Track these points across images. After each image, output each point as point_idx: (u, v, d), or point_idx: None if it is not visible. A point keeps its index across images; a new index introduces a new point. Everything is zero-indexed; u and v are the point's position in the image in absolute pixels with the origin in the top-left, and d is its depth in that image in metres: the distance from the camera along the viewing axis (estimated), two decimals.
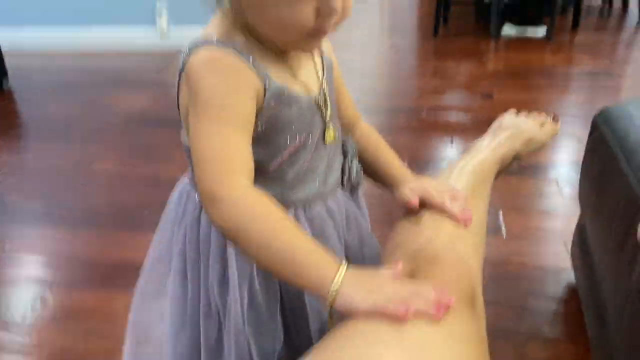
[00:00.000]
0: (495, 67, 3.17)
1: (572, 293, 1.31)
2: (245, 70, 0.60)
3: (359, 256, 0.77)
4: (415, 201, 0.76)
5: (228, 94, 0.59)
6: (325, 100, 0.69)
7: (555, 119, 1.06)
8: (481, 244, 0.76)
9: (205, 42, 0.61)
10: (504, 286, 1.34)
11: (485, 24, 3.80)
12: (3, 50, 2.88)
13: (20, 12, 3.55)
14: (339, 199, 0.75)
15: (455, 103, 2.60)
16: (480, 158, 0.92)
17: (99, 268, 1.50)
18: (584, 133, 1.18)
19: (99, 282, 1.45)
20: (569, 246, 1.41)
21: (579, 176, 1.19)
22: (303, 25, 0.56)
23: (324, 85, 0.69)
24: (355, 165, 0.77)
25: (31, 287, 1.45)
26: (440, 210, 0.75)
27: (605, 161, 1.03)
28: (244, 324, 0.69)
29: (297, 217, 0.70)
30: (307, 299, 0.71)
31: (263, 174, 0.65)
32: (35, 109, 2.72)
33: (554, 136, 1.05)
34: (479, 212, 0.80)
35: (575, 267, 1.28)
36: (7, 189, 1.96)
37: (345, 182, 0.76)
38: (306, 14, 0.55)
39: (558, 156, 2.02)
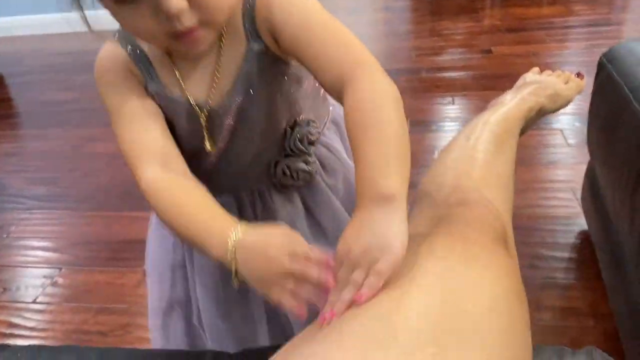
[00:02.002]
0: (492, 22, 3.11)
1: (585, 240, 1.30)
2: (127, 66, 0.64)
3: None
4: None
5: (116, 95, 0.64)
6: (205, 110, 0.65)
7: (580, 75, 1.03)
8: (509, 198, 0.73)
9: (112, 34, 0.65)
10: (515, 238, 1.32)
11: None
12: None
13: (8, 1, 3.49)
14: (256, 196, 0.75)
15: (454, 61, 2.55)
16: (503, 111, 0.88)
17: (107, 247, 1.49)
18: (585, 81, 1.15)
19: (107, 260, 1.44)
20: (578, 194, 1.39)
21: (582, 125, 1.17)
22: (151, 32, 0.54)
23: (225, 96, 0.64)
24: (285, 167, 0.72)
25: (40, 269, 1.45)
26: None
27: (614, 101, 1.01)
28: (216, 309, 0.74)
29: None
30: None
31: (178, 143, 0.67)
32: (29, 94, 2.69)
33: (579, 92, 1.02)
34: (504, 166, 0.77)
35: (587, 214, 1.27)
36: (9, 175, 1.94)
37: (274, 180, 0.74)
38: (145, 22, 0.53)
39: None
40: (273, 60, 0.63)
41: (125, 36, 0.65)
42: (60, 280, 1.38)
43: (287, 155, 0.72)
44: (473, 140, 0.80)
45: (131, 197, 1.68)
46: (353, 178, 0.62)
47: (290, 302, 0.48)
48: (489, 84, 2.19)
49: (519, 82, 1.04)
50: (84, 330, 1.22)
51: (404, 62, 2.59)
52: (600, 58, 1.10)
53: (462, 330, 0.44)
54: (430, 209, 0.64)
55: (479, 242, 0.55)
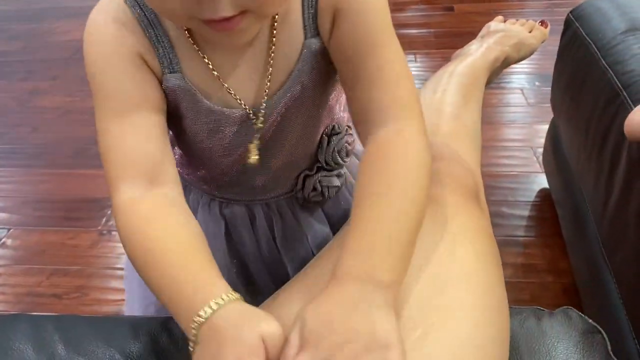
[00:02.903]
0: None
1: (545, 198, 1.32)
2: (138, 44, 0.48)
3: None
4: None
5: (107, 72, 0.48)
6: (260, 116, 0.52)
7: (544, 24, 1.02)
8: (478, 148, 0.73)
9: None
10: None
11: None
12: None
13: None
14: (273, 209, 0.64)
15: (416, 18, 2.52)
16: (469, 61, 0.88)
17: (59, 206, 1.43)
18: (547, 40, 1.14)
19: (59, 220, 1.38)
20: (538, 153, 1.41)
21: (542, 84, 1.17)
22: (176, 13, 0.41)
23: (274, 96, 0.52)
24: (316, 183, 0.61)
25: None
26: None
27: (581, 59, 1.01)
28: None
29: (210, 208, 0.64)
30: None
31: (192, 147, 0.56)
32: None
33: (543, 41, 1.02)
34: (472, 116, 0.76)
35: (548, 173, 1.28)
36: None
37: (298, 194, 0.63)
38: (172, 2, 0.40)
39: (521, 65, 1.98)
40: (326, 60, 0.52)
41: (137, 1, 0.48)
42: (9, 242, 1.32)
43: (319, 169, 0.61)
44: (440, 93, 0.79)
45: (85, 153, 1.61)
46: None
47: None
48: (451, 42, 2.17)
49: (483, 31, 1.03)
50: (37, 293, 1.17)
51: None
52: (568, 15, 1.09)
53: (445, 305, 0.43)
54: None
55: (451, 202, 0.54)
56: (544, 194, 1.33)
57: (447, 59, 1.00)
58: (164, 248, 0.44)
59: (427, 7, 2.62)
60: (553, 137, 1.22)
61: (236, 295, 0.40)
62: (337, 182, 0.62)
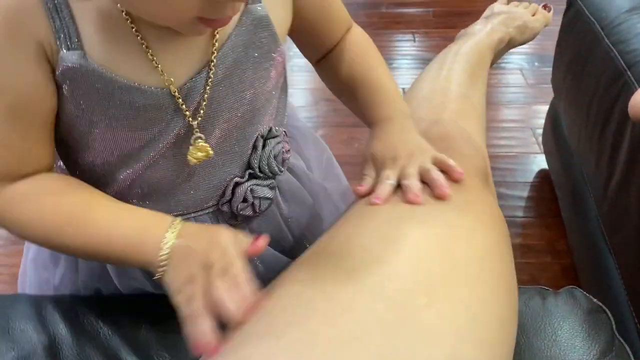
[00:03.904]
0: None
1: (544, 179, 1.31)
2: (27, 13, 0.41)
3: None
4: (362, 189, 0.53)
5: None
6: (197, 94, 0.46)
7: (547, 7, 1.01)
8: (484, 129, 0.72)
9: None
10: None
11: None
12: None
13: None
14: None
15: None
16: (475, 41, 0.87)
17: None
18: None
19: None
20: (537, 133, 1.40)
21: (542, 64, 1.16)
22: (176, 15, 0.39)
23: (212, 68, 0.46)
24: (247, 192, 0.53)
25: None
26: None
27: (584, 38, 1.00)
28: None
29: None
30: None
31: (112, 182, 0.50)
32: None
33: (546, 25, 1.00)
34: (479, 96, 0.76)
35: (547, 153, 1.28)
36: None
37: (224, 207, 0.53)
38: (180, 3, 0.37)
39: (520, 46, 1.98)
40: (268, 36, 0.48)
41: None
42: None
43: (251, 176, 0.53)
44: (446, 72, 0.78)
45: None
46: (320, 202, 0.62)
47: (200, 315, 0.39)
48: (450, 21, 2.15)
49: (487, 12, 1.02)
50: None
51: None
52: None
53: (454, 280, 0.43)
54: None
55: (470, 186, 0.53)
56: (543, 175, 1.33)
57: (446, 39, 0.99)
58: (83, 209, 0.45)
59: None
60: (553, 117, 1.21)
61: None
62: (269, 193, 0.54)
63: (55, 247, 0.49)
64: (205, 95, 0.46)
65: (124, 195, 0.50)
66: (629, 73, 0.81)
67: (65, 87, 0.43)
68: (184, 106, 0.46)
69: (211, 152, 0.48)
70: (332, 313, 0.39)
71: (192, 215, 0.52)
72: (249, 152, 0.52)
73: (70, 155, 0.50)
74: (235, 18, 0.46)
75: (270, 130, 0.53)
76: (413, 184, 0.49)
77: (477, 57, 0.82)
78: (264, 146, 0.53)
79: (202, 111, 0.47)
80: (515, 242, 1.16)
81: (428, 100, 0.71)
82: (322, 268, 0.44)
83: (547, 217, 1.22)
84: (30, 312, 0.54)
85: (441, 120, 0.65)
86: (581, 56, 1.00)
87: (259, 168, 0.53)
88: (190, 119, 0.46)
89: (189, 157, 0.47)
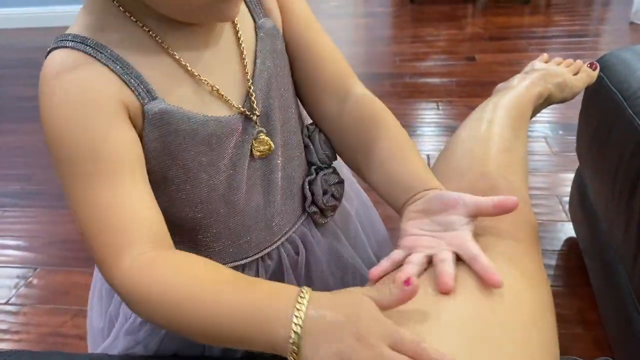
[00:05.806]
0: (474, 30, 3.13)
1: (572, 247, 1.30)
2: (108, 83, 0.43)
3: None
4: (386, 268, 0.49)
5: (87, 131, 0.42)
6: (252, 105, 0.51)
7: (593, 65, 0.99)
8: (526, 181, 0.69)
9: (59, 42, 0.45)
10: None
11: None
12: None
13: None
14: (296, 244, 0.58)
15: (437, 67, 2.56)
16: (514, 94, 0.84)
17: (83, 247, 1.44)
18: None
19: (84, 261, 1.39)
20: (564, 201, 1.39)
21: (566, 133, 1.16)
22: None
23: (254, 76, 0.52)
24: (322, 183, 0.58)
25: (14, 269, 1.39)
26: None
27: (607, 109, 1.01)
28: None
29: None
30: None
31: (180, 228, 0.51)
32: (1, 89, 2.61)
33: (589, 84, 0.98)
34: (521, 148, 0.73)
35: (575, 221, 1.27)
36: None
37: (311, 208, 0.58)
38: None
39: (544, 114, 2.00)
40: (281, 42, 0.55)
41: (88, 43, 0.44)
42: (35, 281, 1.33)
43: (318, 170, 0.58)
44: (486, 124, 0.75)
45: None
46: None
47: None
48: (474, 90, 2.19)
49: (527, 68, 0.99)
50: (61, 334, 1.17)
51: (387, 67, 2.58)
52: None
53: (498, 341, 0.42)
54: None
55: (524, 243, 0.52)
56: (570, 243, 1.31)
57: (470, 107, 1.00)
58: (211, 286, 0.42)
59: (448, 57, 2.67)
60: (579, 186, 1.21)
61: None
62: (338, 177, 0.58)
63: (164, 322, 0.44)
64: (266, 98, 0.52)
65: (228, 235, 0.53)
66: None
67: (153, 138, 0.46)
68: (257, 114, 0.51)
69: (272, 145, 0.52)
70: None
71: (293, 229, 0.57)
72: (304, 150, 0.58)
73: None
74: (251, 32, 0.52)
75: (307, 127, 0.59)
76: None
77: (518, 111, 0.79)
78: (311, 139, 0.58)
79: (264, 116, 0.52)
80: None
81: (471, 154, 0.68)
82: None
83: (576, 286, 1.19)
84: None
85: (488, 173, 0.63)
86: (605, 126, 1.01)
87: (319, 160, 0.58)
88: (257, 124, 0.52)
89: (254, 151, 0.52)
